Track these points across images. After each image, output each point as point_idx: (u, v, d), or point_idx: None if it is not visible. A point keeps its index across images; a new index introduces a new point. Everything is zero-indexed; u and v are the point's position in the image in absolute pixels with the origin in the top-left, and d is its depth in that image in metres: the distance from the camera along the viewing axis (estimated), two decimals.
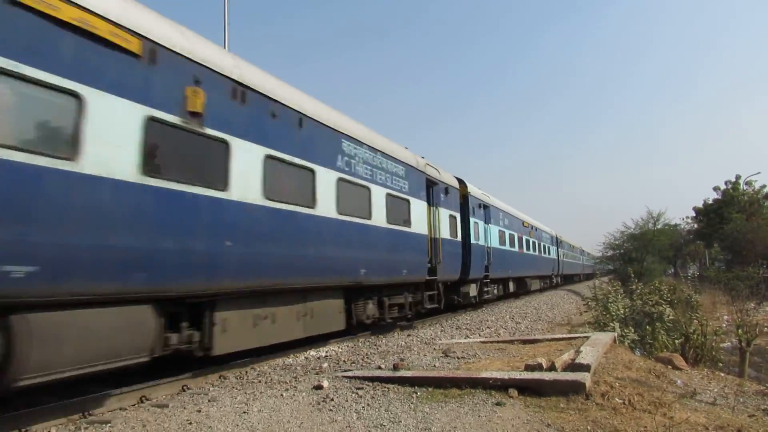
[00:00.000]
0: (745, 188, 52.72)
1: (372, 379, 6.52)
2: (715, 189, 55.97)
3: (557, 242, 40.13)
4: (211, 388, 6.69)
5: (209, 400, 5.87)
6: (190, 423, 4.97)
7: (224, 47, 16.05)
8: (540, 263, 31.14)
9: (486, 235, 19.34)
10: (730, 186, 54.00)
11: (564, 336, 9.59)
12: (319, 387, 6.22)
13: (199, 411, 5.40)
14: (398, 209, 11.92)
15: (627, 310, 12.43)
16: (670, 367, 7.91)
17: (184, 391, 6.61)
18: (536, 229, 30.29)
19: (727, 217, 48.17)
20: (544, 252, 32.95)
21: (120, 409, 5.73)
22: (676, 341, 10.08)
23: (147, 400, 6.08)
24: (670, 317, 11.35)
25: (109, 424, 5.03)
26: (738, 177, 53.39)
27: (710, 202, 56.29)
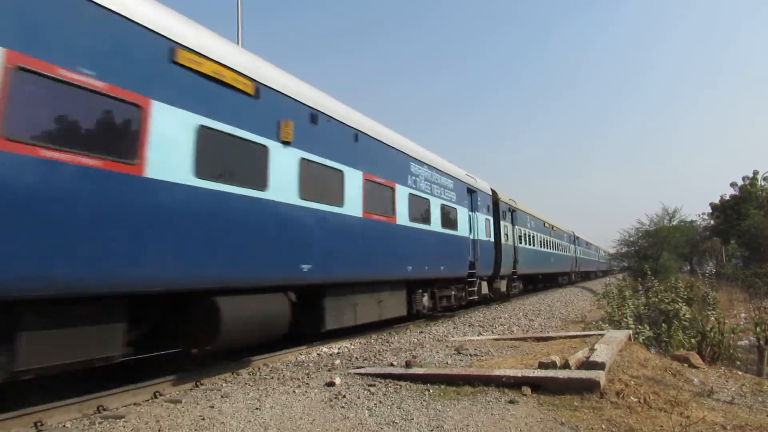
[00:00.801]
0: (763, 184, 51.69)
1: (384, 376, 6.50)
2: (732, 185, 54.99)
3: (492, 206, 19.48)
4: (224, 384, 6.72)
5: (222, 396, 5.89)
6: (203, 419, 4.99)
7: (238, 44, 16.08)
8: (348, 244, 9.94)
9: None
10: (747, 182, 53.00)
11: (578, 333, 9.50)
12: (331, 384, 6.22)
13: (212, 407, 5.42)
14: None
15: (642, 307, 12.29)
16: (686, 365, 7.79)
17: (197, 386, 6.65)
18: (387, 149, 11.78)
19: (744, 213, 47.29)
20: (428, 217, 13.41)
21: (134, 404, 5.78)
22: (693, 339, 9.94)
23: (161, 395, 6.13)
24: (687, 315, 11.19)
25: (123, 419, 5.06)
26: (756, 172, 52.37)
27: (727, 198, 55.37)
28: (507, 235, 20.95)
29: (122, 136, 5.57)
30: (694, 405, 5.29)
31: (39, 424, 4.98)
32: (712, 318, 10.71)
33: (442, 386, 5.94)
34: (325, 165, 9.07)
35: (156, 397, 6.06)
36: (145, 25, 5.93)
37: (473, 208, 17.12)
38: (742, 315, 16.96)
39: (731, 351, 9.29)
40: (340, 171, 9.53)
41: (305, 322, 8.85)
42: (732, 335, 9.70)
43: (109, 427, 4.88)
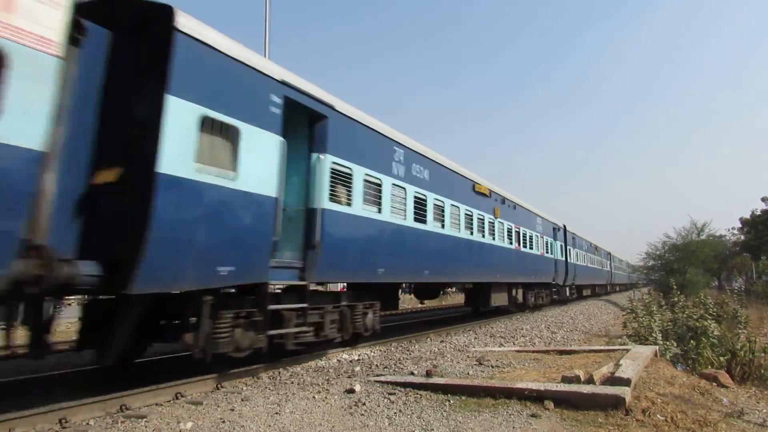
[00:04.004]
0: None
1: (404, 385, 6.46)
2: (764, 200, 53.73)
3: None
4: (244, 388, 6.75)
5: (242, 400, 5.92)
6: (224, 421, 5.01)
7: (264, 54, 16.32)
8: None
9: None
10: None
11: (602, 348, 9.32)
12: (351, 391, 6.19)
13: (233, 410, 5.44)
14: None
15: (668, 323, 12.01)
16: (715, 384, 7.58)
17: (218, 389, 6.69)
18: None
19: None
20: None
21: (156, 404, 5.83)
22: (722, 357, 9.66)
23: (182, 396, 6.17)
24: (715, 332, 10.89)
25: (145, 419, 5.12)
26: None
27: (758, 213, 53.99)
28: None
29: None
30: (723, 426, 5.14)
31: (63, 421, 5.05)
32: (743, 336, 10.40)
33: (463, 397, 5.88)
34: None
35: (177, 398, 6.10)
36: None
37: None
38: None
39: (762, 371, 9.00)
40: None
41: None
42: (763, 354, 9.39)
43: (131, 426, 4.94)
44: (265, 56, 12.61)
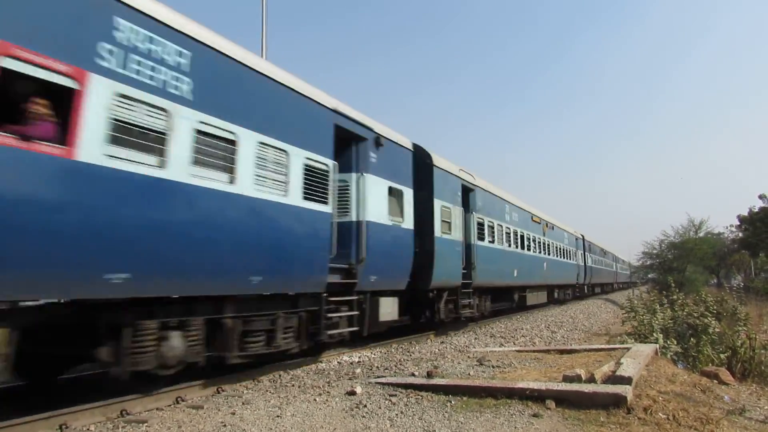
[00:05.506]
0: None
1: (405, 386, 6.44)
2: (761, 197, 53.85)
3: None
4: (245, 391, 6.74)
5: (243, 403, 5.90)
6: (225, 425, 5.00)
7: (261, 54, 16.29)
8: None
9: None
10: None
11: (603, 347, 9.31)
12: (352, 393, 6.18)
13: (234, 413, 5.43)
14: None
15: (669, 321, 12.00)
16: (716, 381, 7.58)
17: (218, 392, 6.68)
18: None
19: None
20: None
21: (156, 409, 5.82)
22: (722, 355, 9.66)
23: (182, 400, 6.17)
24: (716, 330, 10.88)
25: (146, 424, 5.10)
26: None
27: (756, 210, 54.13)
28: None
29: None
30: (725, 423, 5.13)
31: (64, 426, 5.04)
32: (743, 333, 10.40)
33: (464, 398, 5.86)
34: None
35: (178, 403, 6.09)
36: None
37: None
38: None
39: (763, 368, 9.00)
40: None
41: None
42: (763, 351, 9.39)
43: (132, 431, 4.92)
44: (262, 56, 12.59)
